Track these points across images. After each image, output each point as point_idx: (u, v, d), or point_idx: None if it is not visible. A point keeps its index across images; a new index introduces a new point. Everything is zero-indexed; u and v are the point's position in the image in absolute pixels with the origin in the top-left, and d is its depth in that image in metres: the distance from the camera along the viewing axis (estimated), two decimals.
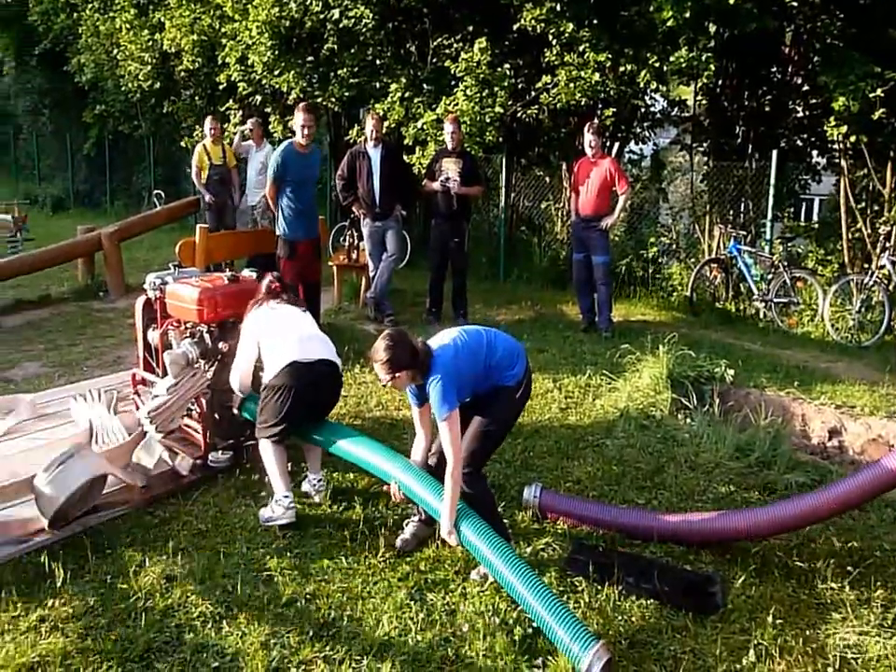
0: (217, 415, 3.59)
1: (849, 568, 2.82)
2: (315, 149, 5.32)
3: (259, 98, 9.89)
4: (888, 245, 6.37)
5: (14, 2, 15.69)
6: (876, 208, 7.17)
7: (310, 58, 9.02)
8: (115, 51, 12.11)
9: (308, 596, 2.64)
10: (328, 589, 2.69)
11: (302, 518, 3.14)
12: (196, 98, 11.71)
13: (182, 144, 11.80)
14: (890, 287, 6.34)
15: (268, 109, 9.92)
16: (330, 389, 3.34)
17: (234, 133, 8.73)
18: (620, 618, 2.55)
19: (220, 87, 10.19)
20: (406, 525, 3.04)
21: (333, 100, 9.04)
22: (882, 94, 6.15)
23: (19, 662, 2.25)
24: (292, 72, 8.89)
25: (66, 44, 14.26)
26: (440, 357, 2.68)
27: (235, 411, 3.55)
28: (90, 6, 12.78)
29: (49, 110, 17.30)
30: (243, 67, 9.40)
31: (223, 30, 9.53)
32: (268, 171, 5.48)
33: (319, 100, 9.05)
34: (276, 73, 8.97)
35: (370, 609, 2.58)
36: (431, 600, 2.64)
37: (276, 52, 8.83)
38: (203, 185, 7.75)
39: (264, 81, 9.27)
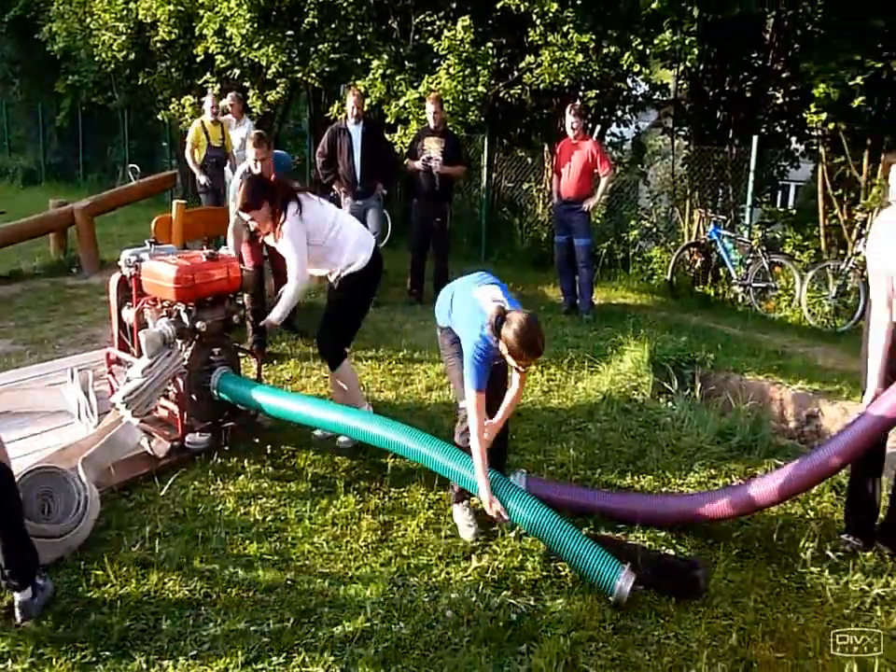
0: (194, 396, 3.51)
1: (829, 553, 2.85)
2: (277, 172, 4.57)
3: (237, 72, 9.66)
4: (863, 231, 6.43)
5: None
6: (853, 195, 7.23)
7: (290, 32, 8.81)
8: (88, 20, 11.73)
9: (289, 582, 2.60)
10: (308, 575, 2.65)
11: (282, 503, 3.10)
12: (172, 70, 11.40)
13: (158, 117, 11.51)
14: (865, 274, 6.41)
15: (246, 83, 9.70)
16: None
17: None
18: (603, 603, 2.55)
19: (198, 59, 9.92)
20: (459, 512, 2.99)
21: (313, 75, 8.86)
22: (862, 82, 6.16)
23: None
24: (272, 45, 8.69)
25: (38, 11, 13.77)
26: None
27: (214, 391, 3.49)
28: None
29: (19, 79, 16.74)
30: (220, 39, 9.16)
31: (200, 1, 9.25)
32: (229, 194, 4.95)
33: (299, 75, 8.87)
34: (255, 46, 8.75)
35: (352, 595, 2.55)
36: (414, 585, 2.61)
37: (255, 25, 8.62)
38: (199, 166, 7.30)
39: (243, 54, 9.05)
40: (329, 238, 3.53)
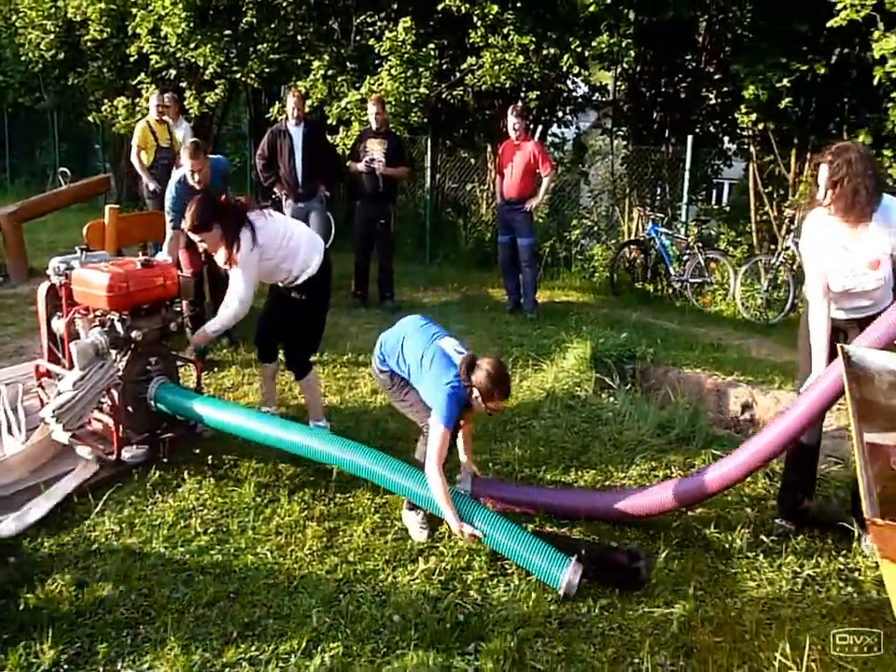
0: (130, 408, 3.40)
1: (762, 538, 2.95)
2: (213, 179, 4.54)
3: (173, 72, 9.41)
4: (792, 227, 6.70)
5: None
6: (782, 192, 7.53)
7: (228, 31, 8.65)
8: (13, 18, 11.25)
9: (231, 595, 2.55)
10: (252, 586, 2.60)
11: (224, 514, 3.03)
12: (105, 70, 11.02)
13: (90, 119, 11.12)
14: (794, 267, 6.68)
15: (183, 84, 9.46)
16: None
17: (146, 109, 8.26)
18: (549, 598, 2.58)
19: (131, 59, 9.62)
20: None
21: (253, 76, 8.71)
22: (788, 84, 6.42)
23: None
24: (209, 45, 8.50)
25: None
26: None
27: (151, 402, 3.39)
28: None
29: None
30: (155, 39, 8.91)
31: None
32: (166, 203, 4.69)
33: (238, 75, 8.70)
34: (192, 46, 8.55)
35: (297, 604, 2.51)
36: (361, 591, 2.60)
37: (191, 24, 8.42)
38: (147, 169, 6.75)
39: (179, 54, 8.82)
40: (282, 249, 3.46)
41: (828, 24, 5.82)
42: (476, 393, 2.73)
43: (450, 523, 2.75)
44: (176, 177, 4.62)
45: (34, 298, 4.15)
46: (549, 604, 2.55)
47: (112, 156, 12.75)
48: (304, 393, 3.90)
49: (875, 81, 5.75)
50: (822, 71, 6.41)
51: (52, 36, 10.68)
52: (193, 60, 8.71)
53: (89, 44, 10.27)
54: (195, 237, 3.37)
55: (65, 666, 2.20)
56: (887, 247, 2.69)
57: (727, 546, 2.93)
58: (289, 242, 3.49)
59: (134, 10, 8.95)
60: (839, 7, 5.64)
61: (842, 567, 2.81)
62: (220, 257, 3.41)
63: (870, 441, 2.62)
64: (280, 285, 3.60)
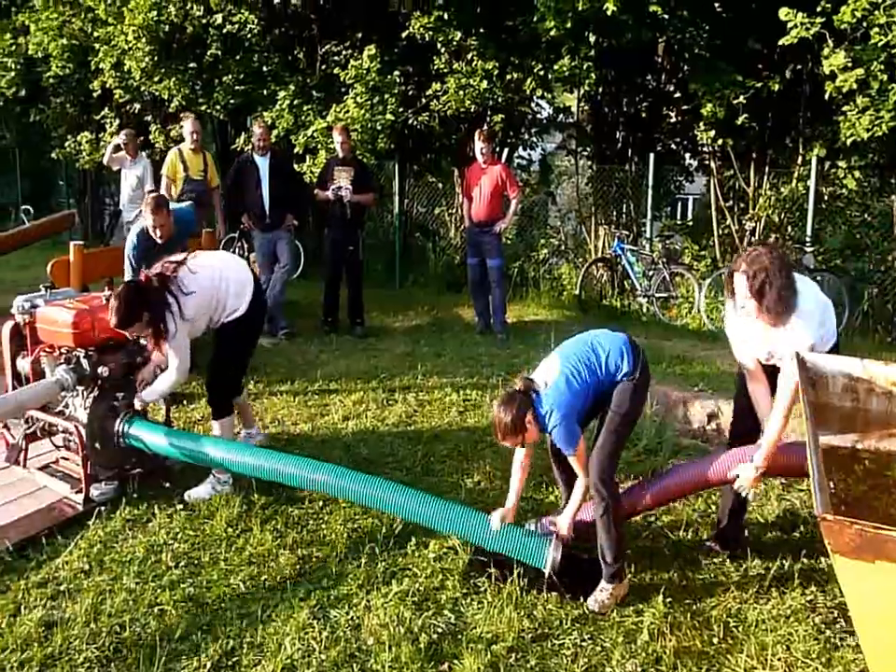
0: (97, 445, 3.38)
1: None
2: (176, 232, 4.37)
3: (137, 106, 9.43)
4: (753, 239, 6.88)
5: None
6: (742, 206, 7.74)
7: (192, 64, 8.70)
8: None
9: (204, 627, 2.53)
10: (225, 617, 2.59)
11: (196, 547, 3.02)
12: (67, 105, 11.02)
13: (53, 155, 11.07)
14: None
15: (148, 118, 9.48)
16: None
17: (108, 144, 8.24)
18: (522, 613, 2.60)
19: (94, 94, 9.64)
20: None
21: (218, 108, 8.75)
22: (744, 101, 6.65)
23: None
24: (173, 78, 8.54)
25: None
26: (554, 395, 2.61)
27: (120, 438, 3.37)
28: None
29: None
30: (119, 73, 8.93)
31: (96, 34, 9.01)
32: (126, 250, 4.58)
33: (203, 108, 8.75)
34: (156, 79, 8.58)
35: (271, 633, 2.50)
36: (335, 617, 2.60)
37: (155, 58, 8.45)
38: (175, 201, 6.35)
39: (143, 88, 8.86)
40: (214, 299, 3.35)
41: (780, 42, 6.05)
42: None
43: (563, 522, 2.81)
44: (138, 228, 4.49)
45: None
46: (522, 619, 2.58)
47: (78, 191, 12.68)
48: (215, 430, 3.59)
49: (827, 96, 5.98)
50: (777, 87, 6.65)
51: (13, 73, 10.65)
52: (158, 93, 8.74)
53: (51, 80, 10.26)
54: (125, 332, 3.24)
55: None
56: (809, 341, 2.62)
57: (695, 553, 2.98)
58: (218, 292, 3.35)
59: (97, 45, 8.98)
60: (790, 25, 5.87)
61: (804, 567, 2.87)
62: (148, 342, 3.33)
63: (828, 444, 2.71)
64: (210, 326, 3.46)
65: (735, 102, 6.69)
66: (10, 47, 10.49)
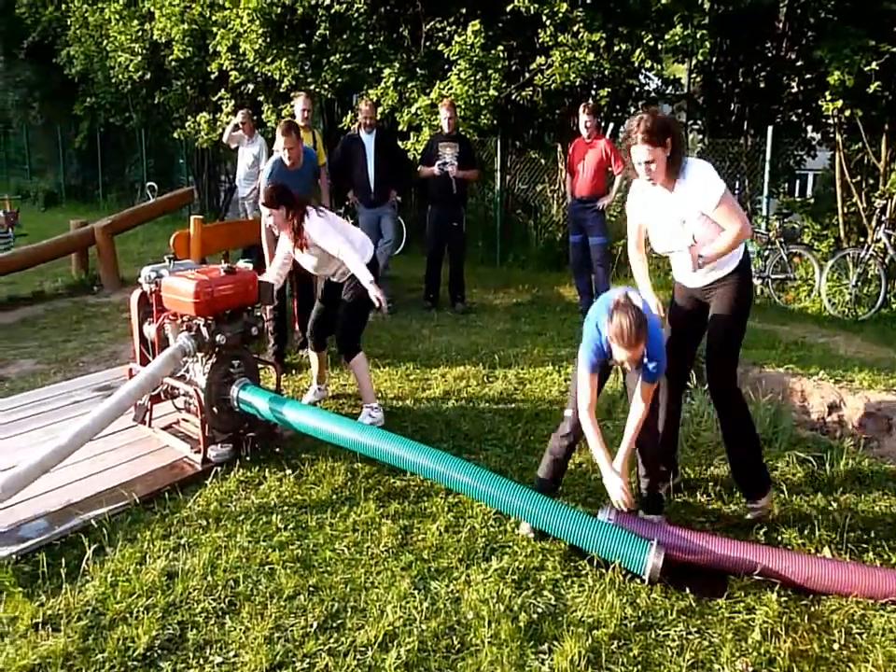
0: (215, 409, 3.57)
1: (850, 545, 2.81)
2: (305, 163, 4.97)
3: (251, 87, 9.80)
4: (883, 218, 6.34)
5: None
6: (871, 182, 7.14)
7: (302, 45, 8.94)
8: (104, 42, 12.01)
9: (311, 589, 2.64)
10: (330, 581, 2.68)
11: (303, 511, 3.14)
12: (188, 88, 11.62)
13: (175, 135, 11.71)
14: (886, 261, 6.32)
15: (260, 98, 9.84)
16: None
17: (226, 124, 8.63)
18: (624, 600, 2.54)
19: (212, 76, 10.10)
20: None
21: (326, 86, 8.97)
22: (877, 67, 6.10)
23: (20, 664, 2.24)
24: (284, 59, 8.82)
25: (55, 36, 14.13)
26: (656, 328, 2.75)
27: (235, 404, 3.55)
28: None
29: (38, 103, 17.17)
30: (234, 56, 9.32)
31: (214, 18, 9.43)
32: (261, 180, 5.19)
33: (312, 87, 8.97)
34: (268, 60, 8.89)
35: (373, 600, 2.57)
36: (435, 589, 2.63)
37: (268, 39, 8.76)
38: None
39: (256, 69, 9.20)
40: (342, 234, 3.87)
41: None
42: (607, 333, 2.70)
43: (603, 472, 2.83)
44: (274, 158, 4.98)
45: (126, 305, 4.44)
46: (624, 606, 2.52)
47: (196, 169, 13.39)
48: (355, 375, 4.11)
49: None
50: None
51: (139, 58, 11.35)
52: (269, 74, 9.04)
53: (172, 63, 10.84)
54: (265, 211, 3.85)
55: (159, 652, 2.33)
56: (720, 184, 2.75)
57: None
58: (346, 234, 3.91)
59: (215, 29, 9.39)
60: None
61: None
62: (286, 239, 3.88)
63: None
64: (333, 279, 4.02)
65: (866, 69, 6.14)
66: (137, 33, 11.15)
